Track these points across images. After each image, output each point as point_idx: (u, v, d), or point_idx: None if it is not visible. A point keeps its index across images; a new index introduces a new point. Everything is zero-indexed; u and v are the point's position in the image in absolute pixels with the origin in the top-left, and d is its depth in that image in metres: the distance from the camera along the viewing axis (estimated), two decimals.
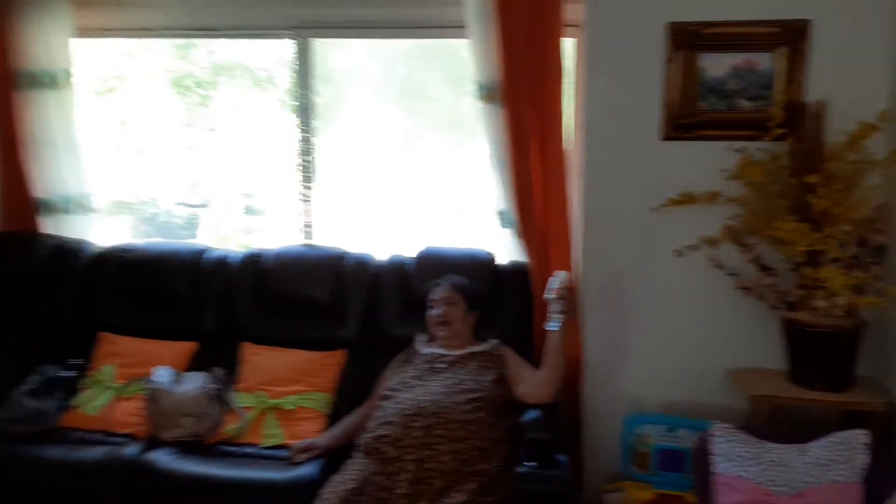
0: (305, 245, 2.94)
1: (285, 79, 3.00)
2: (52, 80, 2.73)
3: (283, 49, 2.97)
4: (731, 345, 2.39)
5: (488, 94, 2.49)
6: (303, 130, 2.91)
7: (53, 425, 2.39)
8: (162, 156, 3.14)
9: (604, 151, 2.41)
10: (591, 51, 2.38)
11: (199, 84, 3.14)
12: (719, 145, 2.31)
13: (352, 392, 2.54)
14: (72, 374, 2.53)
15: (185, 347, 2.63)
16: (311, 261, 2.74)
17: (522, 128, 2.44)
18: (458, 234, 2.93)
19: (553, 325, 2.23)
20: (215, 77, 3.14)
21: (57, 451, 2.26)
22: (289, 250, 2.80)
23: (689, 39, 2.31)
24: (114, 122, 3.03)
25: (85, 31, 2.81)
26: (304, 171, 2.94)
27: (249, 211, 3.22)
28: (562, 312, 2.24)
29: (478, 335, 2.43)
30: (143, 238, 3.18)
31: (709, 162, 2.31)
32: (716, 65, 2.33)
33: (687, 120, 2.35)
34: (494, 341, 2.41)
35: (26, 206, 2.80)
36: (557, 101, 2.44)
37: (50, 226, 2.85)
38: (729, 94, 2.34)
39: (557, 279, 2.27)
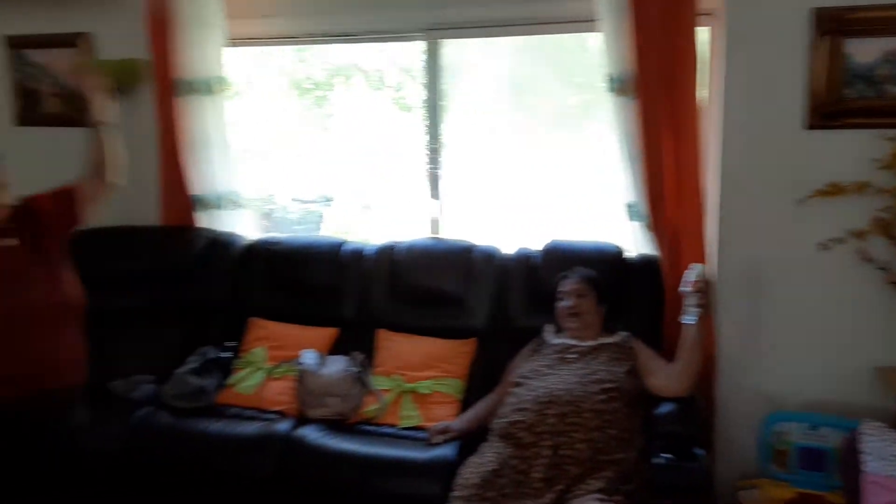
0: (434, 238, 3.07)
1: (400, 79, 3.12)
2: (207, 87, 2.98)
3: (397, 50, 3.09)
4: (881, 342, 2.29)
5: (620, 86, 2.50)
6: (430, 128, 3.03)
7: (212, 402, 2.63)
8: (290, 154, 3.34)
9: (742, 142, 2.37)
10: (729, 39, 2.34)
11: (317, 86, 3.31)
12: (867, 134, 2.21)
13: (481, 379, 2.62)
14: (227, 355, 2.77)
15: (328, 333, 2.81)
16: (440, 253, 2.85)
17: (655, 119, 2.43)
18: (583, 228, 2.95)
19: (689, 318, 2.22)
20: (333, 79, 3.30)
21: (217, 426, 2.48)
22: (419, 243, 2.93)
23: (834, 25, 2.23)
24: (244, 123, 3.25)
25: (235, 41, 3.05)
26: (430, 167, 3.06)
27: (372, 206, 3.37)
28: (698, 306, 2.22)
29: (607, 328, 2.45)
30: (276, 232, 3.41)
31: (855, 151, 2.22)
32: (864, 50, 2.23)
33: (832, 108, 2.26)
34: (624, 333, 2.42)
35: (185, 203, 3.07)
36: (692, 92, 2.41)
37: (204, 220, 3.11)
38: (878, 80, 2.23)
39: (694, 272, 2.25)
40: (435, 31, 2.94)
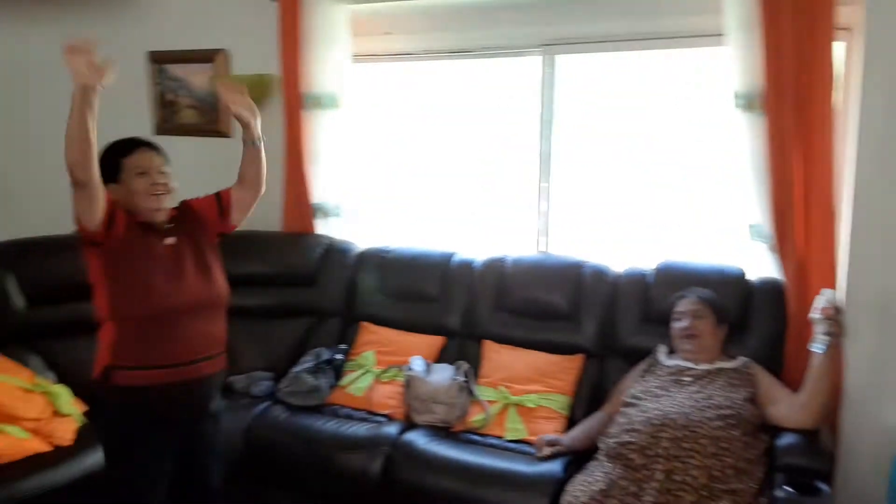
0: (543, 253, 3.07)
1: (513, 92, 3.15)
2: (331, 101, 3.13)
3: (512, 65, 3.13)
4: None
5: (747, 102, 2.42)
6: (541, 142, 3.04)
7: (325, 401, 2.74)
8: (403, 167, 3.44)
9: (881, 162, 2.23)
10: (867, 54, 2.21)
11: (432, 100, 3.38)
12: None
13: (588, 396, 2.60)
14: (340, 356, 2.87)
15: (434, 341, 2.86)
16: (549, 268, 2.85)
17: (785, 136, 2.34)
18: (699, 247, 2.87)
19: (818, 346, 2.11)
20: (447, 93, 3.36)
21: (330, 425, 2.58)
22: (528, 258, 2.94)
23: None
24: (362, 136, 3.37)
25: (358, 58, 3.19)
26: (540, 182, 3.07)
27: (480, 219, 3.40)
28: (827, 334, 2.11)
29: (725, 352, 2.37)
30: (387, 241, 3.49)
31: None
32: None
33: None
34: (744, 359, 2.33)
35: (306, 211, 3.23)
36: (825, 109, 2.30)
37: (323, 228, 3.25)
38: None
39: (824, 298, 2.14)
40: (552, 46, 2.95)
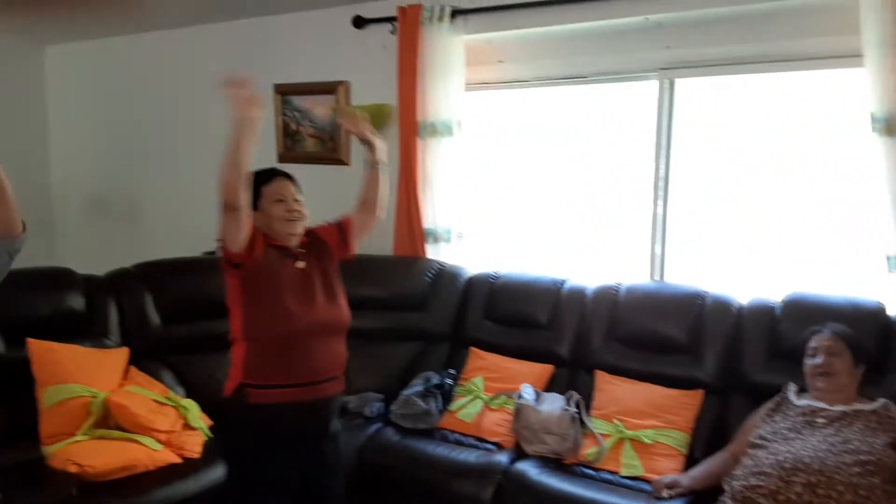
0: (659, 282, 2.98)
1: (629, 117, 3.10)
2: (446, 129, 3.20)
3: (627, 90, 3.08)
4: None
5: (886, 125, 2.27)
6: (658, 168, 2.96)
7: (435, 425, 2.76)
8: (523, 193, 3.45)
9: None
10: None
11: (542, 126, 3.38)
12: None
13: (708, 434, 2.49)
14: (449, 381, 2.89)
15: (543, 369, 2.83)
16: (666, 298, 2.76)
17: None
18: (830, 279, 2.69)
19: None
20: (557, 119, 3.35)
21: (441, 450, 2.59)
22: (643, 286, 2.87)
23: None
24: (474, 163, 3.41)
25: (472, 86, 3.24)
26: (656, 208, 2.99)
27: (592, 246, 3.35)
28: None
29: (863, 393, 2.20)
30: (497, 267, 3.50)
31: None
32: None
33: None
34: (884, 401, 2.15)
35: (417, 236, 3.30)
36: None
37: (434, 252, 3.31)
38: None
39: None
40: (671, 70, 2.89)
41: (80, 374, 2.58)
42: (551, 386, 2.79)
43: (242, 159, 1.83)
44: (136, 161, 4.20)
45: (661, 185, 2.98)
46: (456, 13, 3.10)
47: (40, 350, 2.59)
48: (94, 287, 2.86)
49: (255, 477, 2.01)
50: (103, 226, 4.34)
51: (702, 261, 3.00)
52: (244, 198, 1.86)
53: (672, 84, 2.92)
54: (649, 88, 2.97)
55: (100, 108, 4.33)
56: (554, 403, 2.63)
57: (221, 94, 1.79)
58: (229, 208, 1.86)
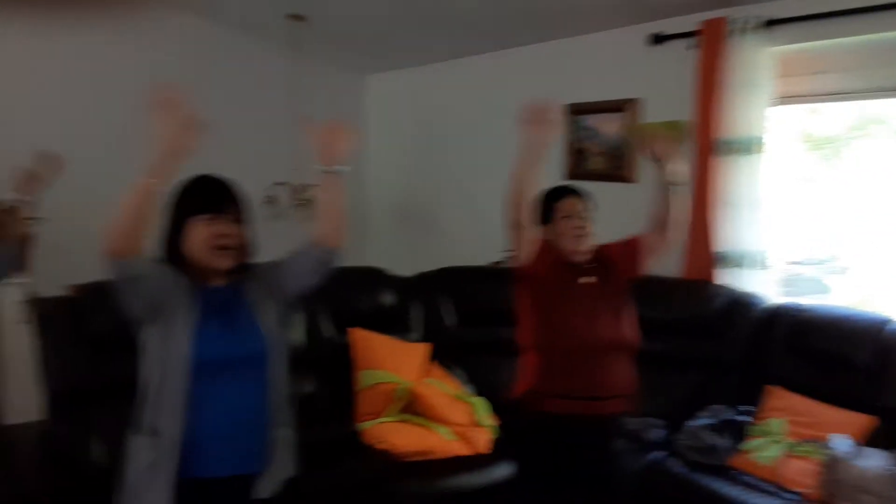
0: None
1: None
2: (746, 147, 2.99)
3: None
4: None
5: None
6: None
7: (723, 462, 2.58)
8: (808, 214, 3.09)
9: None
10: None
11: (831, 140, 2.99)
12: None
13: None
14: (743, 418, 2.68)
15: (862, 420, 2.49)
16: None
17: None
18: None
19: None
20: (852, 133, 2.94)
21: (734, 492, 2.41)
22: None
23: None
24: (772, 182, 3.12)
25: (780, 100, 2.99)
26: None
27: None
28: None
29: None
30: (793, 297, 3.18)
31: None
32: None
33: None
34: None
35: (707, 258, 3.13)
36: None
37: (725, 277, 3.11)
38: None
39: None
40: None
41: (389, 362, 2.92)
42: (872, 440, 2.44)
43: (525, 182, 1.94)
44: (436, 177, 4.61)
45: None
46: (769, 23, 2.89)
47: (360, 338, 2.98)
48: (405, 286, 3.22)
49: (540, 479, 2.08)
50: (404, 233, 4.83)
51: None
52: (525, 217, 1.97)
53: None
54: None
55: (407, 129, 4.84)
56: (875, 460, 2.29)
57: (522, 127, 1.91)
58: (512, 226, 1.98)
